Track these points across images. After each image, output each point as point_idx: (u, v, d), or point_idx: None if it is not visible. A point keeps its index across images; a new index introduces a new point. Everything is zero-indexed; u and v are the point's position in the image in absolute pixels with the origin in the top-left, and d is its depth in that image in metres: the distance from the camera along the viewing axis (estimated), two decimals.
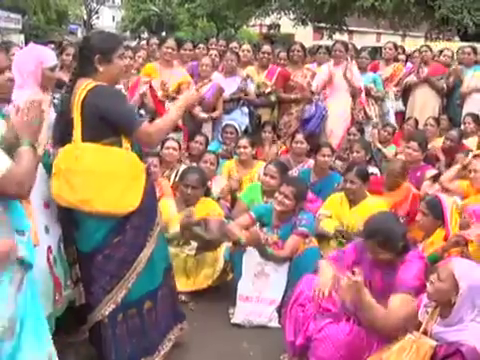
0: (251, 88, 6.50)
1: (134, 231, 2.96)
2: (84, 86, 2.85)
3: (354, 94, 6.53)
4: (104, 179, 2.83)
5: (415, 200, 4.78)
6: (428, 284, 2.75)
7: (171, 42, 6.05)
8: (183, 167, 4.95)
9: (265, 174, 4.64)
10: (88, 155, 2.85)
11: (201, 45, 7.42)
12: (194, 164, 5.20)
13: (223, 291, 4.16)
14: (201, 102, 5.97)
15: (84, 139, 2.85)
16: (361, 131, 6.27)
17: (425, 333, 2.75)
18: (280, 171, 4.55)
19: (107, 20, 50.89)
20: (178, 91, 5.87)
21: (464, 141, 6.35)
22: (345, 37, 18.46)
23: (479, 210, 3.69)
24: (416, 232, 3.87)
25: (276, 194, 4.01)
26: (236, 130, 5.97)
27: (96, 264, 2.95)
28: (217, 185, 5.01)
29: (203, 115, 6.17)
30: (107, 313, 2.97)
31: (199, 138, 5.59)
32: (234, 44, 7.73)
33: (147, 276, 3.02)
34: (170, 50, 5.99)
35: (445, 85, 7.40)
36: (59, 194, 2.86)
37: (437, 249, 3.59)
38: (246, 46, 7.14)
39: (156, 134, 2.93)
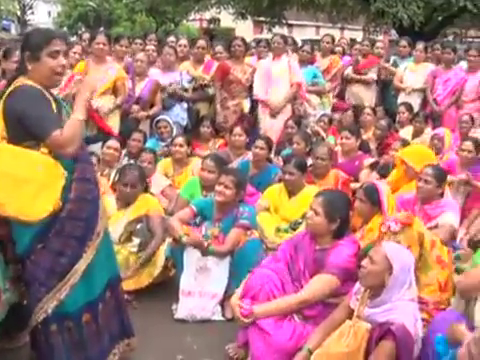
0: (185, 83, 6.48)
1: (62, 239, 2.82)
2: (12, 86, 2.76)
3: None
4: (16, 183, 2.69)
5: (345, 185, 4.91)
6: (360, 269, 2.84)
7: (101, 37, 5.93)
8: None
9: (203, 169, 4.64)
10: (3, 156, 2.72)
11: (138, 40, 7.33)
12: (132, 161, 5.15)
13: (166, 287, 4.14)
14: (138, 100, 5.92)
15: (9, 140, 2.73)
16: (298, 124, 6.36)
17: (359, 318, 2.84)
18: (217, 165, 4.55)
19: (43, 16, 49.31)
20: (114, 88, 5.80)
21: (400, 130, 6.58)
22: (285, 31, 18.65)
23: (405, 199, 3.85)
24: (355, 219, 3.95)
25: (216, 186, 4.01)
26: (170, 124, 5.94)
27: (27, 269, 2.85)
28: (155, 183, 4.98)
29: (142, 113, 6.12)
30: (40, 320, 2.86)
31: (137, 135, 5.56)
32: (171, 38, 7.67)
33: (84, 288, 2.89)
34: (101, 46, 5.88)
35: (375, 76, 7.59)
36: None
37: (374, 240, 3.68)
38: (183, 41, 7.11)
39: (67, 142, 2.70)
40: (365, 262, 2.85)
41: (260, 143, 5.23)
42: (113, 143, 5.08)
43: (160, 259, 4.09)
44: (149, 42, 7.27)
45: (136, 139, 5.52)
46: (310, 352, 2.95)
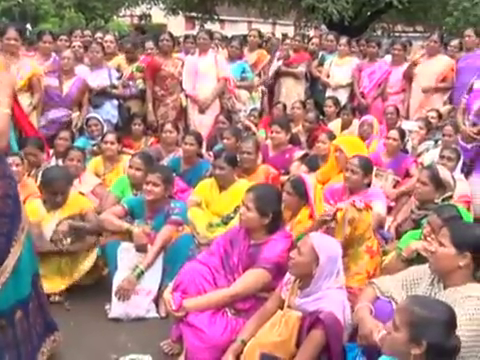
0: (114, 80, 6.42)
1: None
2: None
3: None
4: None
5: (275, 180, 4.98)
6: (289, 260, 2.91)
7: (12, 32, 5.62)
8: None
9: (130, 167, 4.61)
10: None
11: (63, 37, 7.13)
12: (60, 161, 5.04)
13: (99, 287, 4.10)
14: (66, 99, 5.79)
15: None
16: (230, 119, 6.41)
17: (290, 308, 2.91)
18: (145, 163, 4.52)
19: None
20: (29, 85, 5.62)
21: (328, 123, 6.75)
22: (217, 26, 18.62)
23: (334, 189, 3.96)
24: (284, 212, 4.01)
25: (144, 185, 4.00)
26: (100, 122, 5.86)
27: None
28: (85, 182, 4.90)
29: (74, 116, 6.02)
30: None
31: (64, 134, 5.45)
32: (99, 35, 7.54)
33: (14, 285, 2.83)
34: (12, 41, 5.61)
35: (303, 70, 7.72)
36: None
37: (305, 230, 3.77)
38: (109, 37, 7.02)
39: None
40: (293, 253, 2.92)
41: (189, 139, 5.22)
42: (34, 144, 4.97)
43: (92, 257, 4.04)
44: (75, 38, 7.11)
45: (63, 138, 5.40)
46: (244, 343, 3.00)
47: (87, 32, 7.55)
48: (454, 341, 2.18)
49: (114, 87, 6.41)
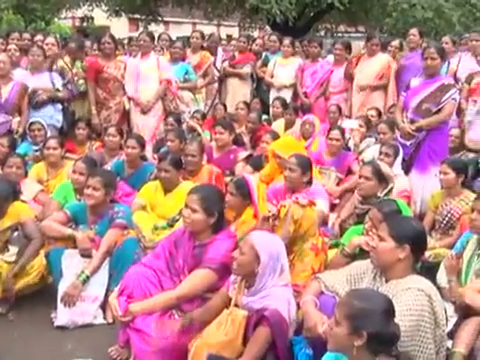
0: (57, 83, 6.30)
1: None
2: None
3: None
4: None
5: (218, 180, 5.02)
6: (233, 260, 2.94)
7: None
8: None
9: (74, 171, 4.54)
10: None
11: None
12: None
13: (44, 296, 4.02)
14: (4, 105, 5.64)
15: None
16: (178, 121, 6.39)
17: (237, 306, 2.93)
18: (88, 167, 4.47)
19: None
20: None
21: (273, 123, 6.82)
22: (161, 28, 18.52)
23: (277, 189, 4.01)
24: (228, 213, 4.04)
25: (85, 189, 3.96)
26: (44, 127, 5.74)
27: None
28: (27, 189, 4.77)
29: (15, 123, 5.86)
30: None
31: (2, 140, 5.29)
32: (39, 37, 7.36)
33: None
34: None
35: (249, 71, 7.78)
36: None
37: (250, 230, 3.79)
38: (50, 39, 6.86)
39: None
40: (235, 253, 2.95)
41: (131, 142, 5.16)
42: None
43: (35, 265, 3.96)
44: (12, 41, 6.88)
45: (1, 144, 5.26)
46: (190, 320, 3.02)
47: (26, 35, 7.33)
48: (393, 329, 2.25)
49: (57, 90, 6.27)
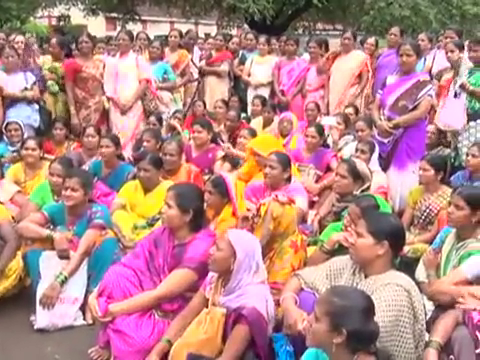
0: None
1: None
2: None
3: None
4: None
5: (197, 178, 5.03)
6: (209, 257, 2.95)
7: None
8: None
9: (51, 173, 4.50)
10: None
11: None
12: None
13: (23, 298, 3.96)
14: None
15: None
16: (160, 121, 6.37)
17: (214, 305, 2.94)
18: (65, 168, 4.43)
19: None
20: None
21: (252, 120, 6.83)
22: (139, 27, 18.41)
23: (256, 187, 4.02)
24: (207, 211, 4.04)
25: (62, 191, 3.93)
26: (21, 127, 5.68)
27: None
28: (3, 190, 4.73)
29: None
30: None
31: None
32: (20, 38, 7.29)
33: None
34: None
35: (226, 69, 7.78)
36: None
37: (229, 228, 3.79)
38: (20, 38, 6.79)
39: None
40: (212, 249, 2.96)
41: (105, 142, 5.11)
42: None
43: (13, 268, 3.91)
44: None
45: None
46: (170, 343, 3.00)
47: (1, 34, 7.23)
48: (373, 327, 2.28)
49: (26, 89, 6.20)
